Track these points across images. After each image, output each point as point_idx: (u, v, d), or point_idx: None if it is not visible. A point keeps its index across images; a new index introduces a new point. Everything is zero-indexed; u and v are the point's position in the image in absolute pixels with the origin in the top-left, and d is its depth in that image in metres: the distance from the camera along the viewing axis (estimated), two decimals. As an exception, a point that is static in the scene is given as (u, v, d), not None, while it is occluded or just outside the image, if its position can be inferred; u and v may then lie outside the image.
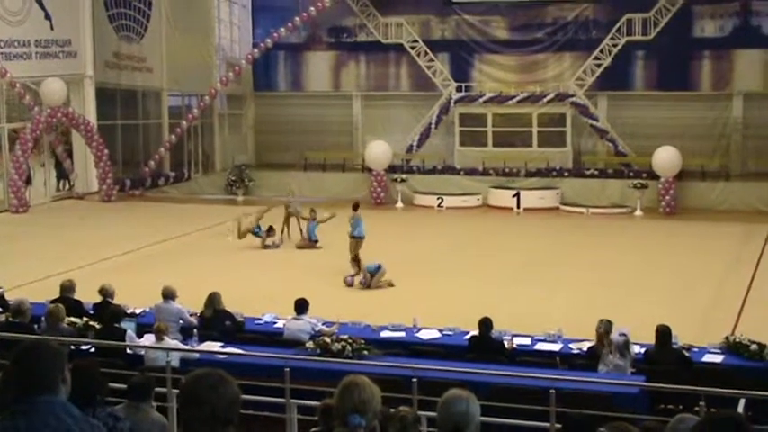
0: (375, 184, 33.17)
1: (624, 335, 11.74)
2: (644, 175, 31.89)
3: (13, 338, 10.44)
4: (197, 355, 11.95)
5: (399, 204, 32.54)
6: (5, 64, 29.03)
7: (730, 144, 34.38)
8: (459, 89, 35.92)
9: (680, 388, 9.97)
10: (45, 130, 30.77)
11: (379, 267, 19.71)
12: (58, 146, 32.93)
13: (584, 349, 12.49)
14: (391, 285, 19.73)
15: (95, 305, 14.06)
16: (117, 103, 34.58)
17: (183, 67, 35.89)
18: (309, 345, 12.25)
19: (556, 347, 12.87)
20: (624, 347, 11.62)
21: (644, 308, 16.74)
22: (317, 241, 23.90)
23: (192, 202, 32.92)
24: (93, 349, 12.10)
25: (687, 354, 12.20)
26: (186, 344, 12.61)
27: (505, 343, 12.68)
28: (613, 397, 10.41)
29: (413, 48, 36.68)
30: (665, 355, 11.90)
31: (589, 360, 12.08)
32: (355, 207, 21.98)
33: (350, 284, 19.72)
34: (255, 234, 23.95)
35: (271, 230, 24.21)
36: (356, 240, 20.98)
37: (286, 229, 25.08)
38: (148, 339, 12.38)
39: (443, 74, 36.39)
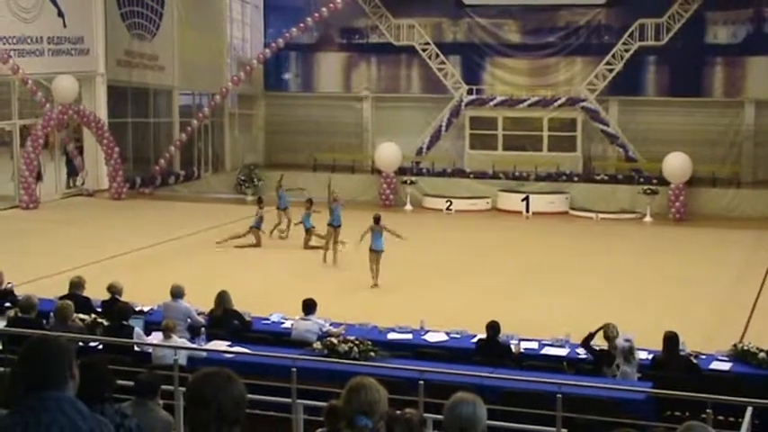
0: (384, 185, 33.15)
1: (629, 340, 11.72)
2: (654, 180, 31.80)
3: (21, 334, 10.48)
4: (204, 353, 11.97)
5: (408, 207, 32.52)
6: (18, 60, 29.11)
7: (741, 151, 34.27)
8: (470, 92, 35.90)
9: (687, 395, 9.95)
10: (56, 127, 30.86)
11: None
12: (68, 143, 33.02)
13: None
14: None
15: (104, 302, 14.09)
16: (128, 100, 34.64)
17: (194, 65, 35.95)
18: (316, 345, 12.26)
19: (563, 352, 12.85)
20: (629, 353, 11.60)
21: (652, 314, 16.73)
22: (313, 227, 23.73)
23: (201, 201, 32.97)
24: (101, 346, 12.14)
25: (695, 361, 12.17)
26: (194, 343, 12.64)
27: (512, 347, 12.67)
28: (620, 403, 10.39)
29: (424, 50, 36.67)
30: (672, 361, 11.87)
31: (596, 366, 12.06)
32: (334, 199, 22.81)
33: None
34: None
35: (261, 201, 24.86)
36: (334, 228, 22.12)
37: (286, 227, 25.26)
38: (156, 337, 12.41)
39: (454, 76, 36.38)
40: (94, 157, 32.64)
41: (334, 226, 22.16)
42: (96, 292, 14.43)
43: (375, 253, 19.93)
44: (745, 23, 34.31)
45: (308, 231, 23.77)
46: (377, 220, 20.29)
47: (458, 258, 23.31)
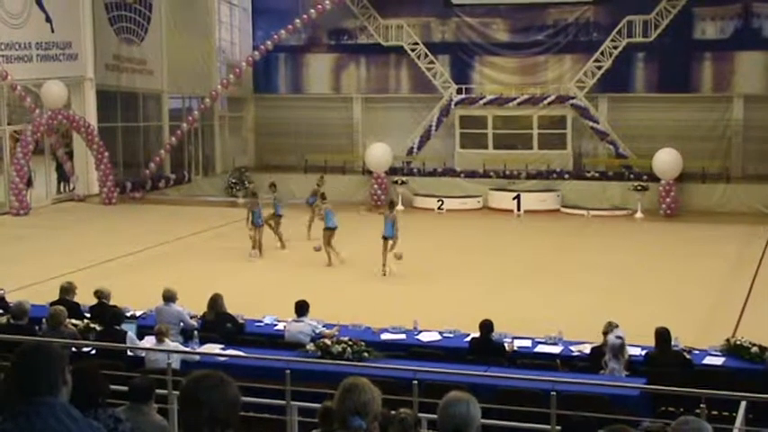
0: (375, 186, 33.17)
1: (620, 338, 11.72)
2: (644, 177, 31.89)
3: (14, 340, 10.45)
4: (198, 357, 11.95)
5: (399, 206, 32.44)
6: (6, 66, 29.04)
7: (731, 146, 34.37)
8: (459, 91, 35.93)
9: (681, 390, 9.96)
10: (46, 133, 30.78)
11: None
12: (58, 148, 32.94)
13: (585, 352, 12.48)
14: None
15: (91, 307, 14.04)
16: (118, 105, 34.59)
17: (183, 69, 35.93)
18: (310, 347, 12.25)
19: (556, 350, 12.85)
20: (619, 350, 11.60)
21: (644, 310, 16.73)
22: (281, 216, 23.69)
23: (192, 205, 32.91)
24: (94, 351, 12.11)
25: (688, 356, 12.18)
26: (187, 346, 12.62)
27: (506, 345, 12.67)
28: (614, 399, 10.41)
29: (413, 50, 36.68)
30: (665, 357, 11.89)
31: (591, 362, 12.07)
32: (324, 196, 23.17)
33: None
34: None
35: (255, 195, 24.19)
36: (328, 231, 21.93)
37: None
38: (149, 341, 12.38)
39: (444, 76, 36.39)
40: (85, 162, 32.56)
41: (331, 229, 22.14)
42: (89, 298, 14.40)
43: (386, 240, 20.78)
44: (733, 18, 34.39)
45: (278, 217, 23.80)
46: (391, 205, 21.45)
47: (450, 257, 23.30)
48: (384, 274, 20.74)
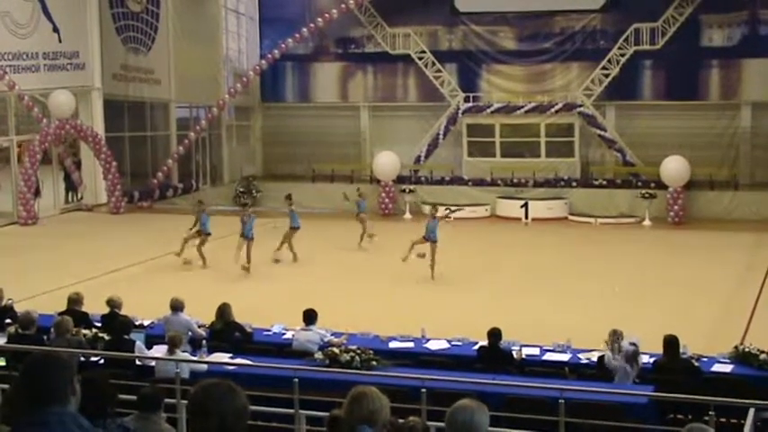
0: (383, 194, 33.19)
1: (634, 344, 11.70)
2: (652, 184, 31.87)
3: (23, 350, 10.48)
4: (206, 366, 11.95)
5: (407, 215, 32.54)
6: (14, 76, 29.11)
7: (739, 153, 34.32)
8: (466, 99, 35.94)
9: (689, 398, 9.94)
10: (53, 143, 30.85)
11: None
12: (66, 158, 32.99)
13: (594, 359, 12.46)
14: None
15: (103, 316, 14.09)
16: (125, 114, 34.67)
17: (190, 78, 35.97)
18: (318, 355, 12.25)
19: (565, 358, 12.84)
20: (632, 357, 11.58)
21: (653, 318, 16.71)
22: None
23: (200, 214, 32.88)
24: (102, 361, 12.12)
25: (696, 363, 12.16)
26: (195, 355, 12.62)
27: (514, 353, 12.66)
28: (623, 407, 10.38)
29: (420, 58, 36.72)
30: (674, 364, 11.87)
31: (599, 370, 12.06)
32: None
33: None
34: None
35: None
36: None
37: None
38: (158, 351, 12.39)
39: (451, 84, 36.41)
40: (92, 172, 32.62)
41: (294, 228, 23.55)
42: (96, 307, 14.43)
43: (434, 243, 21.54)
44: (739, 26, 34.37)
45: (206, 235, 23.68)
46: (435, 208, 23.00)
47: (458, 266, 23.26)
48: (432, 278, 21.45)
